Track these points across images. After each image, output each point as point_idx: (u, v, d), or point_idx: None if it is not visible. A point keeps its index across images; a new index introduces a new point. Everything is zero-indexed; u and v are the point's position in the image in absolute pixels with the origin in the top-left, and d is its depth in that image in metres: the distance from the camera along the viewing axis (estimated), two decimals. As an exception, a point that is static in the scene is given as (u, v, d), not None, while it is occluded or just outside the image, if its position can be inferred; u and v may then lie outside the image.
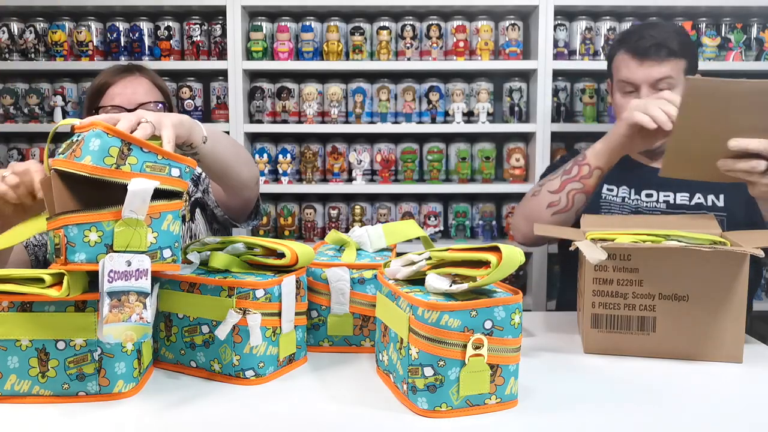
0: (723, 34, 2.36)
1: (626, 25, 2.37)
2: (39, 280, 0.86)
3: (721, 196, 1.53)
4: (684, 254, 1.08)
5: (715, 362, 1.08)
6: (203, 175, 1.58)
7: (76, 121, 0.91)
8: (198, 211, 1.55)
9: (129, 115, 0.94)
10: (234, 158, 1.31)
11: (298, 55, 2.40)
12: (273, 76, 2.46)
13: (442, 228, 2.48)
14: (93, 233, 0.84)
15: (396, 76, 2.46)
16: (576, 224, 1.40)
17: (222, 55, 2.36)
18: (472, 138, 2.47)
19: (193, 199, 1.55)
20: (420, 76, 2.46)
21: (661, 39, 1.54)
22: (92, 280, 0.93)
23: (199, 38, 2.38)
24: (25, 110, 2.41)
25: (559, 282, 1.91)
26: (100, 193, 0.85)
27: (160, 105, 1.53)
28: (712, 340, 1.09)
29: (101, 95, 1.52)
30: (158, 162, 0.88)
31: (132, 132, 0.90)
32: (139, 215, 0.85)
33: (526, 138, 2.45)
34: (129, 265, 0.84)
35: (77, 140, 0.87)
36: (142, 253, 0.86)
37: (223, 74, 2.37)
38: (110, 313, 0.83)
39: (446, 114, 2.42)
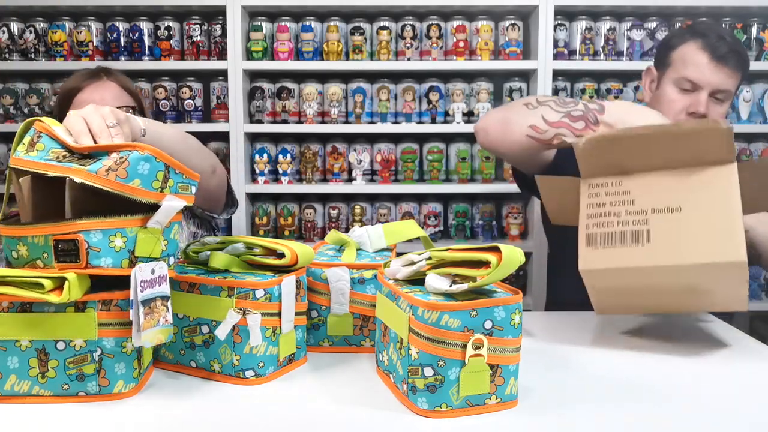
0: (723, 34, 2.35)
1: (626, 25, 2.37)
2: (39, 285, 0.85)
3: None
4: (672, 175, 1.12)
5: (719, 262, 1.05)
6: None
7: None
8: (187, 215, 1.54)
9: (80, 120, 0.96)
10: (181, 149, 1.25)
11: (298, 55, 2.40)
12: (273, 76, 2.46)
13: (442, 228, 2.48)
14: (119, 239, 0.87)
15: (396, 76, 2.46)
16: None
17: (222, 55, 2.36)
18: (472, 138, 2.47)
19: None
20: (420, 76, 2.46)
21: (737, 48, 1.48)
22: (94, 282, 0.93)
23: (199, 38, 2.38)
24: (25, 110, 2.41)
25: (548, 285, 1.89)
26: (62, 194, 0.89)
27: (127, 108, 1.50)
28: (710, 242, 1.08)
29: (70, 100, 1.51)
30: (184, 181, 0.92)
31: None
32: (161, 225, 0.89)
33: (526, 138, 2.44)
34: (153, 273, 0.88)
35: (36, 138, 0.94)
36: (159, 260, 0.89)
37: (223, 74, 2.38)
38: (145, 320, 0.86)
39: (446, 114, 2.42)
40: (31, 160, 0.92)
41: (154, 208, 0.88)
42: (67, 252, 0.86)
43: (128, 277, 0.86)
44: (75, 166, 0.87)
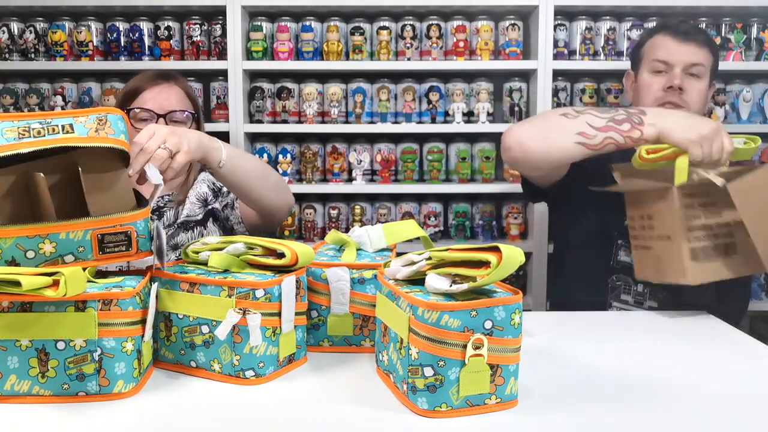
0: (723, 34, 2.36)
1: (626, 25, 2.37)
2: (16, 283, 0.84)
3: None
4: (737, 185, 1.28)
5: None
6: (224, 189, 1.59)
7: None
8: (211, 220, 1.56)
9: (153, 134, 1.09)
10: (258, 182, 1.38)
11: (298, 55, 2.40)
12: (273, 76, 2.46)
13: (442, 228, 2.47)
14: (147, 226, 0.99)
15: (396, 76, 2.46)
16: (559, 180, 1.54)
17: (222, 55, 2.36)
18: (472, 138, 2.47)
19: (209, 208, 1.56)
20: (420, 76, 2.46)
21: (700, 28, 1.60)
22: (91, 280, 0.94)
23: (199, 38, 2.38)
24: (25, 110, 2.41)
25: (554, 282, 1.90)
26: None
27: (189, 114, 1.57)
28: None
29: (134, 98, 1.56)
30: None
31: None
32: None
33: (526, 138, 2.44)
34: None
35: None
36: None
37: (223, 74, 2.37)
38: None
39: (446, 114, 2.42)
40: None
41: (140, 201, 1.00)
42: (117, 243, 0.94)
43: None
44: (60, 136, 0.93)
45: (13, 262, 0.92)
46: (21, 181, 0.95)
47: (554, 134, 1.37)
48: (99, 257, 0.94)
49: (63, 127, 0.94)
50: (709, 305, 1.47)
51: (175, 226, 1.52)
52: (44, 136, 0.93)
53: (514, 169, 1.54)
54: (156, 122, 1.52)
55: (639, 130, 1.32)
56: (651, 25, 2.36)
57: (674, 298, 1.49)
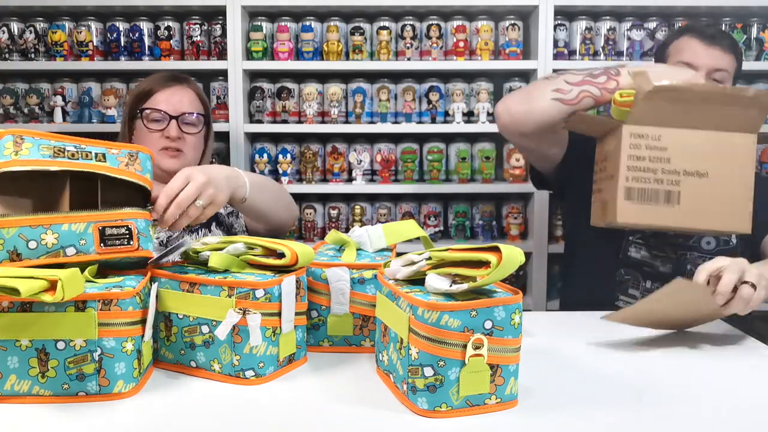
0: (723, 34, 2.35)
1: (626, 25, 2.37)
2: (14, 290, 0.83)
3: None
4: (705, 136, 1.27)
5: (726, 231, 1.23)
6: None
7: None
8: (214, 224, 1.56)
9: (187, 182, 1.10)
10: (273, 206, 1.44)
11: (298, 55, 2.40)
12: (273, 76, 2.46)
13: (442, 228, 2.47)
14: (150, 229, 1.02)
15: (396, 76, 2.46)
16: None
17: (222, 55, 2.36)
18: (472, 138, 2.47)
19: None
20: (420, 76, 2.46)
21: (726, 32, 1.59)
22: (91, 280, 0.94)
23: (199, 38, 2.38)
24: (25, 110, 2.41)
25: (563, 281, 1.90)
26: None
27: (200, 116, 1.58)
28: (725, 212, 1.26)
29: (146, 99, 1.57)
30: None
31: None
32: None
33: (526, 138, 2.44)
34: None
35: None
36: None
37: (223, 74, 2.37)
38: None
39: (446, 114, 2.42)
40: (28, 159, 0.95)
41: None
42: (118, 236, 0.96)
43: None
44: (93, 162, 0.98)
45: (14, 253, 0.93)
46: (43, 183, 1.00)
47: (534, 94, 1.43)
48: (100, 250, 0.95)
49: (96, 155, 1.00)
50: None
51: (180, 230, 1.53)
52: (77, 159, 0.98)
53: (506, 136, 1.55)
54: (168, 123, 1.54)
55: (615, 80, 1.35)
56: (651, 25, 2.36)
57: None
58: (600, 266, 1.58)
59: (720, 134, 1.29)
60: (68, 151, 0.98)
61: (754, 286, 1.07)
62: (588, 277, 1.63)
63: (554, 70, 2.29)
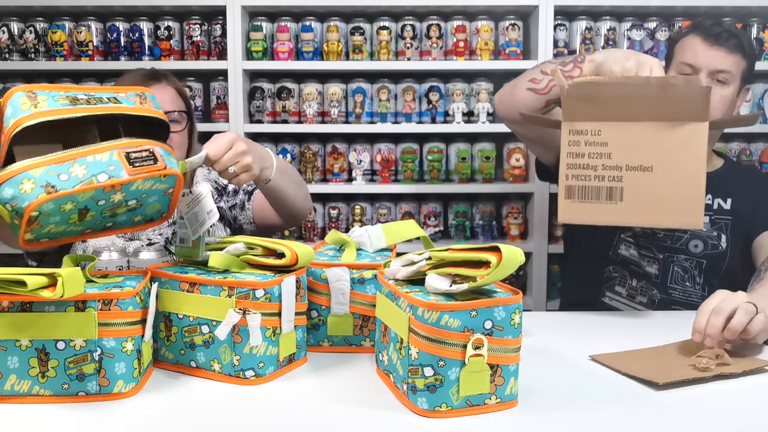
0: (723, 34, 2.35)
1: (626, 25, 2.37)
2: (21, 283, 0.85)
3: (729, 200, 1.52)
4: (649, 128, 1.19)
5: (675, 227, 1.18)
6: (230, 189, 1.60)
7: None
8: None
9: (230, 146, 1.15)
10: (293, 192, 1.44)
11: (298, 55, 2.40)
12: (273, 76, 2.46)
13: (442, 228, 2.48)
14: (174, 156, 1.03)
15: (396, 76, 2.46)
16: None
17: (222, 55, 2.36)
18: (472, 138, 2.47)
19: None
20: (420, 76, 2.46)
21: (735, 32, 1.54)
22: (90, 280, 0.93)
23: (199, 38, 2.38)
24: (25, 110, 2.40)
25: (561, 282, 1.91)
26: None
27: (183, 113, 1.55)
28: (674, 207, 1.19)
29: None
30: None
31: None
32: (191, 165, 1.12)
33: (526, 138, 2.44)
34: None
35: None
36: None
37: (223, 74, 2.37)
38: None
39: (446, 114, 2.42)
40: (50, 110, 0.94)
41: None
42: (144, 158, 0.97)
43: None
44: (111, 105, 1.00)
45: (49, 186, 0.89)
46: (62, 132, 0.99)
47: (517, 85, 1.45)
48: (131, 171, 0.95)
49: (109, 98, 1.01)
50: (699, 305, 1.47)
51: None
52: (95, 104, 0.98)
53: (505, 123, 1.55)
54: None
55: (579, 67, 1.35)
56: (651, 25, 2.36)
57: (664, 297, 1.50)
58: (592, 263, 1.59)
59: (665, 125, 1.21)
60: (82, 98, 0.98)
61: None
62: (581, 274, 1.64)
63: (554, 70, 2.30)
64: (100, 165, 0.93)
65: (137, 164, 0.96)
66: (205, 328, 0.97)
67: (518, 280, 2.44)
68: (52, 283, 0.85)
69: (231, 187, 1.61)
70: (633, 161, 1.21)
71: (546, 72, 1.39)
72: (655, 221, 1.24)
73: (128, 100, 1.02)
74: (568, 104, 1.25)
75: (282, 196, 1.42)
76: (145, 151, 0.98)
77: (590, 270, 1.59)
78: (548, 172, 1.71)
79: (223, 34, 2.35)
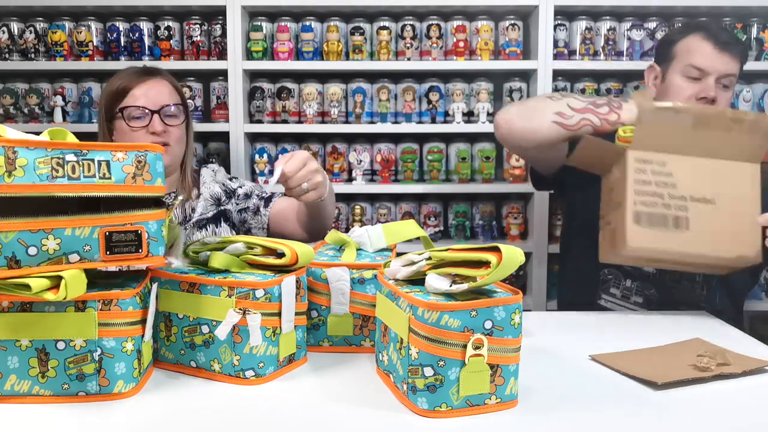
0: (723, 34, 2.35)
1: (626, 25, 2.37)
2: (25, 286, 0.84)
3: None
4: (709, 163, 1.28)
5: (733, 260, 1.22)
6: (239, 192, 1.60)
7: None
8: (222, 219, 1.57)
9: (304, 164, 1.22)
10: (330, 213, 1.50)
11: (298, 55, 2.40)
12: (273, 76, 2.46)
13: (442, 228, 2.47)
14: (164, 228, 0.94)
15: (396, 76, 2.46)
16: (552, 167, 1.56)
17: (222, 55, 2.36)
18: (472, 138, 2.47)
19: (221, 208, 1.58)
20: (420, 76, 2.46)
21: (737, 37, 1.61)
22: (91, 280, 0.93)
23: (199, 38, 2.38)
24: (25, 110, 2.41)
25: (558, 281, 1.91)
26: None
27: (180, 107, 1.56)
28: (733, 239, 1.26)
29: (123, 97, 1.54)
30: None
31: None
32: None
33: (526, 138, 2.44)
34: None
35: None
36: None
37: (223, 74, 2.37)
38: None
39: (446, 114, 2.42)
40: (22, 185, 0.84)
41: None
42: (126, 243, 0.89)
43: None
44: (96, 181, 0.88)
45: (13, 259, 0.85)
46: None
47: (537, 114, 1.43)
48: (106, 258, 0.89)
49: (99, 164, 0.89)
50: (698, 304, 1.48)
51: (190, 224, 1.53)
52: (79, 178, 0.88)
53: (504, 145, 1.57)
54: (150, 118, 1.51)
55: (617, 113, 1.36)
56: (651, 25, 2.36)
57: (661, 296, 1.49)
58: (586, 266, 1.59)
59: (722, 162, 1.29)
60: (68, 162, 0.87)
61: None
62: (576, 276, 1.65)
63: (554, 71, 2.30)
64: (76, 242, 0.87)
65: (116, 250, 0.89)
66: (205, 328, 0.97)
67: (518, 280, 2.44)
68: (55, 285, 0.85)
69: (242, 191, 1.62)
70: (696, 193, 1.27)
71: (576, 108, 1.38)
72: (718, 252, 1.28)
73: (121, 170, 0.90)
74: (641, 131, 1.30)
75: (321, 215, 1.45)
76: (132, 233, 0.90)
77: (585, 272, 1.59)
78: (544, 181, 1.71)
79: (223, 34, 2.35)
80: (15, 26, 2.39)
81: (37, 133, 0.94)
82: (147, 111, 1.51)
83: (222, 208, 1.57)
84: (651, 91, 1.68)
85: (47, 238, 0.86)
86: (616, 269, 1.54)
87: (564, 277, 1.79)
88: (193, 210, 1.57)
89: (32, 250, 0.86)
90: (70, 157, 0.88)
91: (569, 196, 1.68)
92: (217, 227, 1.56)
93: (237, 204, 1.59)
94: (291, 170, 1.18)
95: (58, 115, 2.37)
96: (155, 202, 0.93)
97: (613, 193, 1.36)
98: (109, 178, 0.89)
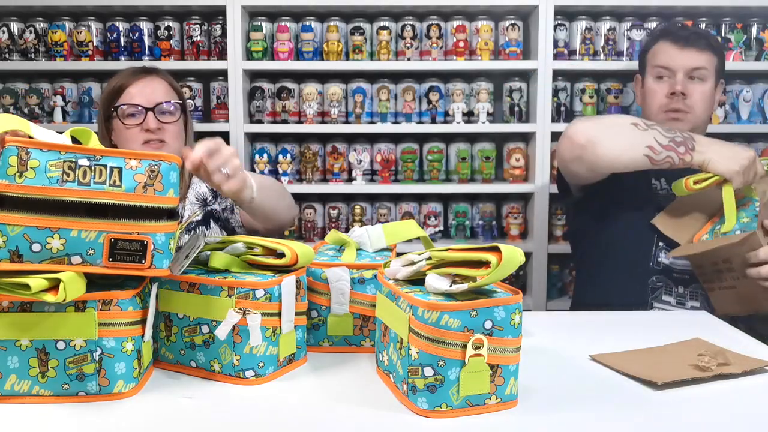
0: (723, 34, 2.35)
1: (626, 25, 2.37)
2: (25, 286, 0.84)
3: None
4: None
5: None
6: None
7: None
8: (211, 220, 1.56)
9: (218, 150, 1.11)
10: (277, 205, 1.43)
11: (298, 55, 2.40)
12: (273, 76, 2.46)
13: (442, 228, 2.48)
14: (173, 242, 0.93)
15: (396, 76, 2.46)
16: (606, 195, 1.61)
17: (222, 55, 2.36)
18: (472, 138, 2.47)
19: (208, 208, 1.57)
20: (420, 76, 2.46)
21: (702, 32, 1.67)
22: (91, 280, 0.93)
23: (199, 38, 2.38)
24: (25, 110, 2.41)
25: (577, 282, 1.87)
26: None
27: (176, 104, 1.56)
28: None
29: (119, 95, 1.54)
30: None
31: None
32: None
33: (526, 138, 2.45)
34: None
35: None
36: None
37: (223, 74, 2.37)
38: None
39: (446, 114, 2.42)
40: (32, 186, 0.85)
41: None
42: (130, 252, 0.88)
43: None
44: (106, 188, 0.88)
45: (16, 253, 0.85)
46: None
47: (627, 143, 1.45)
48: (108, 264, 0.88)
49: (111, 171, 0.88)
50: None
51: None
52: (89, 183, 0.87)
53: (572, 163, 1.55)
54: (145, 116, 1.51)
55: (690, 155, 1.43)
56: (651, 25, 2.36)
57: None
58: (631, 275, 1.58)
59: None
60: (80, 166, 0.87)
61: None
62: (617, 285, 1.61)
63: (554, 71, 2.30)
64: (80, 244, 0.87)
65: (119, 257, 0.88)
66: (205, 328, 0.97)
67: (518, 280, 2.44)
68: (54, 285, 0.85)
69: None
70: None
71: (662, 145, 1.43)
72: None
73: (132, 178, 0.89)
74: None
75: (267, 214, 1.40)
76: (137, 242, 0.88)
77: (630, 279, 1.58)
78: (568, 189, 1.73)
79: (223, 34, 2.35)
80: (15, 26, 2.39)
81: (60, 132, 0.94)
82: (141, 108, 1.51)
83: (209, 208, 1.57)
84: (638, 99, 1.78)
85: (52, 237, 0.86)
86: (665, 276, 1.55)
87: (596, 284, 1.71)
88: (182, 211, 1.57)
89: (36, 247, 0.86)
90: (83, 161, 0.88)
91: (607, 200, 1.63)
92: (207, 228, 1.55)
93: (221, 203, 1.59)
94: (196, 157, 1.09)
95: (58, 115, 2.37)
96: (168, 214, 0.91)
97: (732, 264, 1.42)
98: (119, 186, 0.88)
